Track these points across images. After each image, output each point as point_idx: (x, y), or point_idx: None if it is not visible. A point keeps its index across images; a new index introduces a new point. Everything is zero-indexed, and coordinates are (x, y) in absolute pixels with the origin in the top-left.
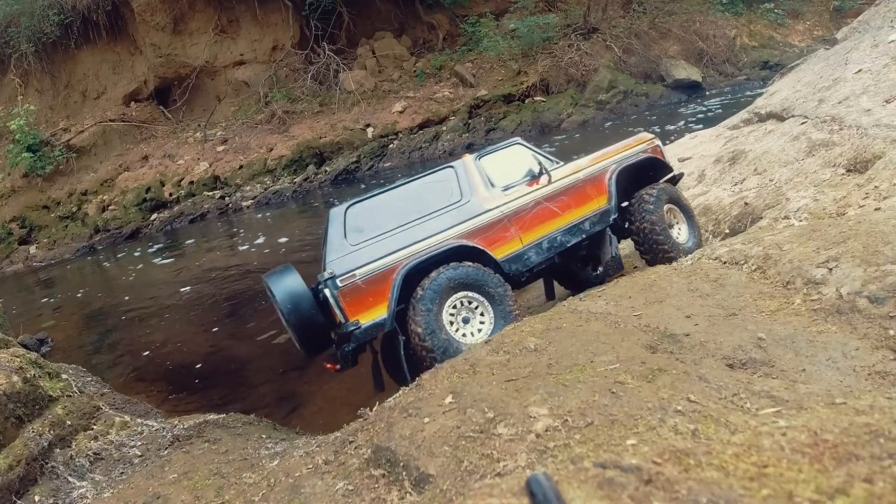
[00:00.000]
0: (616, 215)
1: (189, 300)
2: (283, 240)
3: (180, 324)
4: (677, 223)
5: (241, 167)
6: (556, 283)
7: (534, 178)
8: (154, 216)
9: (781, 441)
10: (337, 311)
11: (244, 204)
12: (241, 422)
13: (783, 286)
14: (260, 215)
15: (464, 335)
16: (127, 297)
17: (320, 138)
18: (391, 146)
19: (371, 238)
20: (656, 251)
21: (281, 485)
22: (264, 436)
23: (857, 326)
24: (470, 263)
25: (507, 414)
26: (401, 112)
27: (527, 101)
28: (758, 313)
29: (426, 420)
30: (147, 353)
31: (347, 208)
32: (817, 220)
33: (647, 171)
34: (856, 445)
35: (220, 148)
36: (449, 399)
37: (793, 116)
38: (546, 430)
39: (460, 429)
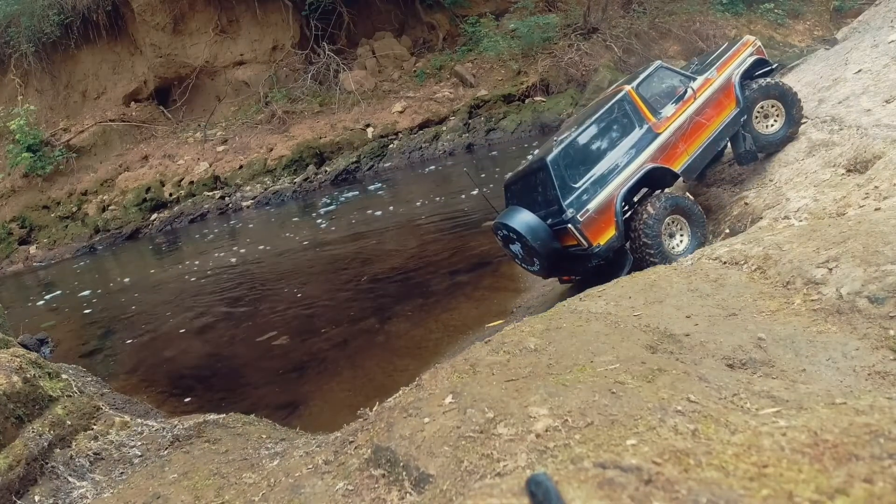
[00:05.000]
0: (746, 116)
1: (188, 300)
2: (284, 240)
3: (180, 324)
4: (776, 113)
5: (241, 167)
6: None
7: (682, 98)
8: (154, 216)
9: (781, 441)
10: (582, 239)
11: (244, 204)
12: (241, 422)
13: (783, 286)
14: (260, 215)
15: (672, 248)
16: (127, 297)
17: (320, 138)
18: (391, 146)
19: (585, 178)
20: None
21: (281, 485)
22: (264, 436)
23: (857, 326)
24: (675, 193)
25: (507, 414)
26: (401, 112)
27: (527, 101)
28: (758, 313)
29: (426, 420)
30: (147, 353)
31: (556, 156)
32: (817, 220)
33: (755, 69)
34: (856, 445)
35: (220, 148)
36: (449, 399)
37: None
38: (546, 430)
39: (460, 429)
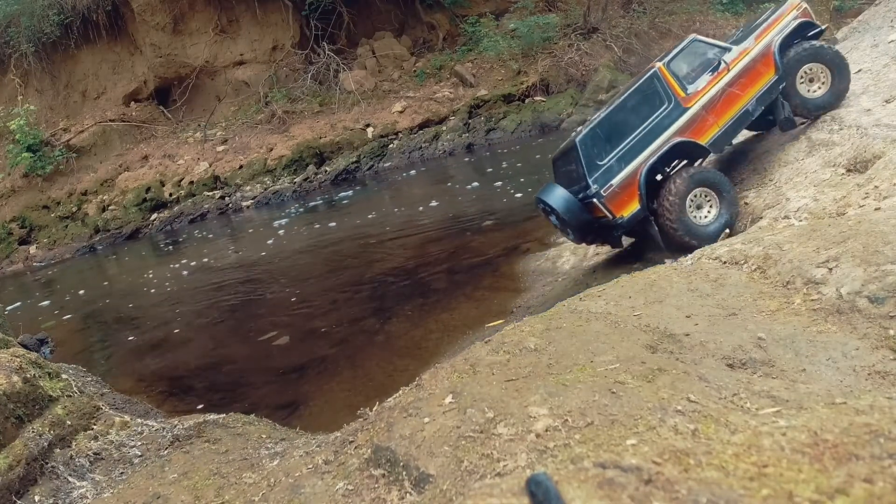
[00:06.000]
0: (784, 84)
1: (189, 300)
2: (282, 240)
3: (180, 324)
4: (823, 77)
5: (241, 167)
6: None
7: (715, 70)
8: (154, 216)
9: (781, 441)
10: (606, 212)
11: (244, 204)
12: (241, 422)
13: (783, 286)
14: (260, 215)
15: (699, 219)
16: (127, 298)
17: (320, 138)
18: (391, 146)
19: (612, 154)
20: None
21: (281, 485)
22: (264, 436)
23: (857, 326)
24: (704, 167)
25: (507, 414)
26: (401, 112)
27: (527, 101)
28: (758, 313)
29: (426, 420)
30: (147, 352)
31: (586, 135)
32: (817, 220)
33: (802, 32)
34: (856, 445)
35: (220, 148)
36: (449, 399)
37: None
38: (546, 430)
39: (460, 429)
